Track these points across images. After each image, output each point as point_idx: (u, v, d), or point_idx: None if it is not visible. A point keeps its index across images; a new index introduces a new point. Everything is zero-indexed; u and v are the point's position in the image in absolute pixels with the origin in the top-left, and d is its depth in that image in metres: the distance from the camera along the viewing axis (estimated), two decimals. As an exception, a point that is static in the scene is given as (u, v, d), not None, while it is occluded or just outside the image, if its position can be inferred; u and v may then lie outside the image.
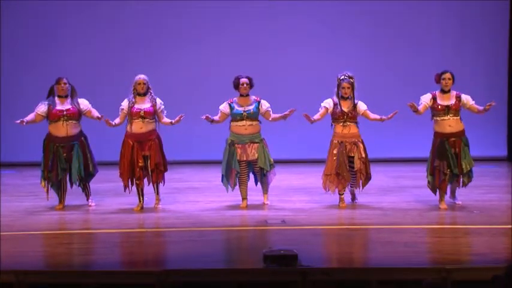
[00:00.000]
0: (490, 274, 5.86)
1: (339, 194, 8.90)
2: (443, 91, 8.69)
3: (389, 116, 8.67)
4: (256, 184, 9.08)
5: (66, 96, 8.76)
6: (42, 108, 8.77)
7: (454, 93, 8.71)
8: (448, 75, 8.68)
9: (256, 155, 8.80)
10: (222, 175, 8.96)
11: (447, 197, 8.86)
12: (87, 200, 9.02)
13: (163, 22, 12.17)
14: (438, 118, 8.68)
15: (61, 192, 8.89)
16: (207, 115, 8.78)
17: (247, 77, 8.85)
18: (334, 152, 8.78)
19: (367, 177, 8.83)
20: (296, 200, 9.44)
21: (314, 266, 6.24)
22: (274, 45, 12.18)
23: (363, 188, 8.87)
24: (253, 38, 12.20)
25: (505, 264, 5.22)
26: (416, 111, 8.67)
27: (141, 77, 8.77)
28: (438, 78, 8.73)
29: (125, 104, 8.76)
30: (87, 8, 12.07)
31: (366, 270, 6.32)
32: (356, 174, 8.78)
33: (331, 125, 8.86)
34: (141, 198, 8.88)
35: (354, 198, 9.05)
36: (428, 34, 12.31)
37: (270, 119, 8.88)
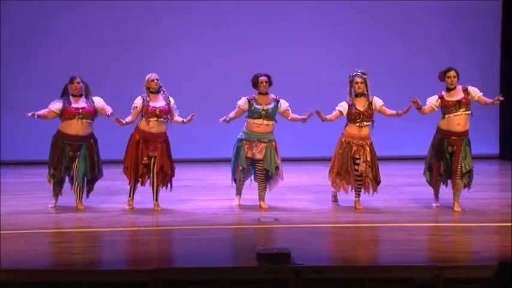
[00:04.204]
0: (482, 272, 5.88)
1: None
2: (448, 89, 8.62)
3: (405, 110, 8.51)
4: (254, 179, 8.99)
5: (80, 95, 8.73)
6: (56, 105, 8.71)
7: (459, 87, 8.61)
8: (452, 73, 8.58)
9: (262, 155, 8.75)
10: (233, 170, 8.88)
11: (449, 204, 8.78)
12: (78, 200, 8.79)
13: (169, 20, 12.18)
14: (451, 115, 8.54)
15: (59, 190, 8.84)
16: (224, 117, 8.69)
17: (266, 75, 8.73)
18: (340, 151, 8.69)
19: (376, 182, 8.68)
20: (289, 198, 9.44)
21: (307, 264, 6.25)
22: (279, 44, 12.22)
23: (374, 192, 8.74)
24: (259, 37, 12.23)
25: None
26: (419, 108, 8.57)
27: (153, 74, 8.72)
28: (443, 76, 8.60)
29: (138, 101, 8.68)
30: (86, 5, 12.05)
31: (358, 268, 6.32)
32: (362, 178, 8.69)
33: (346, 124, 8.72)
34: (132, 195, 8.85)
35: (356, 206, 8.77)
36: (421, 32, 12.35)
37: (289, 118, 8.83)
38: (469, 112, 8.58)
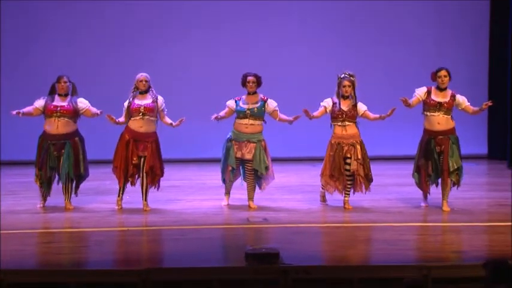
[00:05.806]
0: (470, 271, 5.90)
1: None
2: (439, 88, 8.62)
3: (388, 113, 8.52)
4: (243, 179, 8.97)
5: (66, 95, 8.71)
6: (40, 102, 8.72)
7: (449, 92, 8.63)
8: (443, 72, 8.60)
9: (251, 155, 8.73)
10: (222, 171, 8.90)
11: (438, 204, 8.78)
12: (67, 200, 8.74)
13: (160, 20, 12.14)
14: (428, 113, 8.58)
15: (47, 190, 8.79)
16: (216, 115, 8.71)
17: (254, 75, 8.74)
18: (331, 153, 8.69)
19: (368, 179, 8.68)
20: (278, 198, 9.44)
21: (296, 264, 6.25)
22: (270, 44, 12.21)
23: (366, 191, 8.75)
24: (251, 37, 12.22)
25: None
26: (408, 105, 8.61)
27: (143, 74, 8.71)
28: (434, 76, 8.62)
29: (127, 103, 8.70)
30: (80, 5, 12.02)
31: (347, 268, 6.33)
32: (353, 177, 8.68)
33: (331, 125, 8.73)
34: (122, 195, 8.83)
35: (345, 206, 8.76)
36: (410, 32, 12.37)
37: (278, 119, 8.83)
38: (448, 116, 8.60)
